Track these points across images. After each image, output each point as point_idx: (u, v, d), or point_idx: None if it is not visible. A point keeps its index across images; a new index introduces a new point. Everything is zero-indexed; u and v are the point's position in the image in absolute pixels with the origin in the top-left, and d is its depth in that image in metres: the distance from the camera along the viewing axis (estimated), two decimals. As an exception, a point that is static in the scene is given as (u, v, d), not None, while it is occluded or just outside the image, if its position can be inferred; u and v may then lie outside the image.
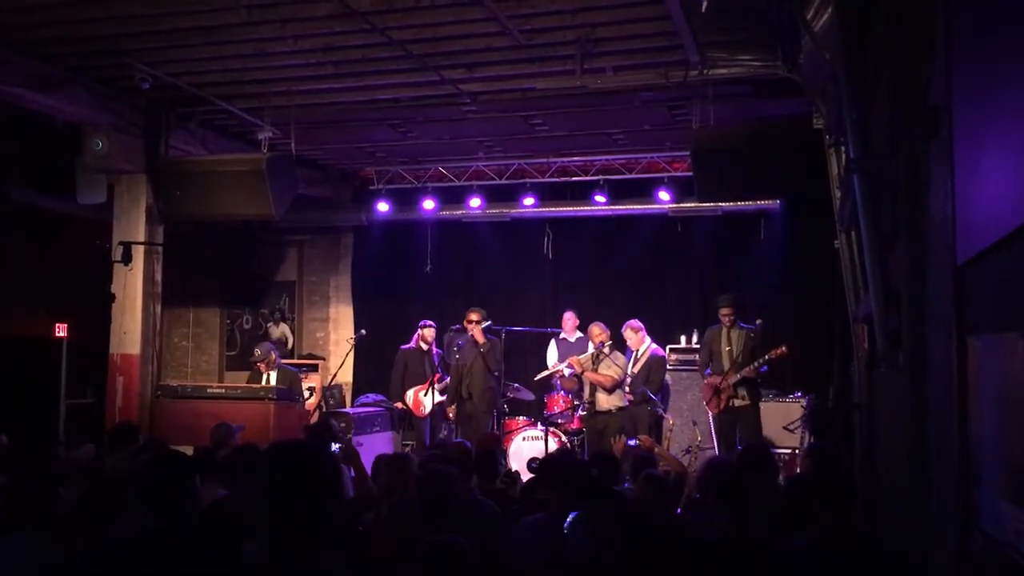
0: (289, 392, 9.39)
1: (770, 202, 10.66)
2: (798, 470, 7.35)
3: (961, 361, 3.15)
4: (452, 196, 12.26)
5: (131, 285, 9.23)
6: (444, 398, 10.28)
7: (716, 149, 8.13)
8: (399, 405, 10.50)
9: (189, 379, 12.83)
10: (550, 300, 12.31)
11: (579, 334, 10.60)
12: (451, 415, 10.16)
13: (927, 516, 3.75)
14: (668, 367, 10.30)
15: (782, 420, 9.51)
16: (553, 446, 9.06)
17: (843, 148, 6.17)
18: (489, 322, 9.96)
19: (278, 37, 7.59)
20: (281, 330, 13.73)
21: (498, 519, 4.79)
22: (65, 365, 10.81)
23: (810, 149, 7.44)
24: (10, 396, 10.07)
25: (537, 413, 10.40)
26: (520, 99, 9.03)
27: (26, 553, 3.86)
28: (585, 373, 9.66)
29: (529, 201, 11.67)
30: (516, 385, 10.42)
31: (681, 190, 10.96)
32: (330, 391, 12.02)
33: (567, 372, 10.13)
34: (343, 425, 9.45)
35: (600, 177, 11.51)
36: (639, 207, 11.59)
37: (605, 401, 9.54)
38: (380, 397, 11.16)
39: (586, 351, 9.91)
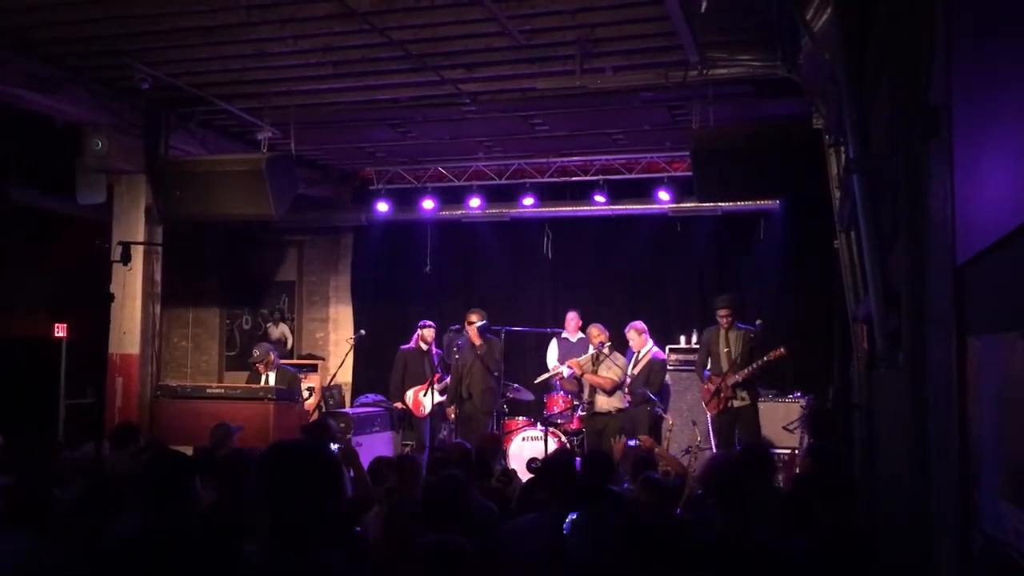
0: (288, 392, 9.39)
1: (770, 202, 10.66)
2: (797, 470, 7.35)
3: (961, 361, 3.15)
4: (452, 196, 12.26)
5: (130, 285, 9.23)
6: (444, 398, 10.28)
7: (716, 149, 8.14)
8: (399, 405, 10.50)
9: (188, 379, 12.83)
10: (550, 300, 12.31)
11: (581, 335, 10.60)
12: (451, 415, 10.16)
13: (927, 516, 3.75)
14: (668, 367, 10.31)
15: (782, 420, 9.51)
16: (553, 446, 9.06)
17: (843, 148, 6.17)
18: (484, 322, 9.90)
19: (278, 37, 7.59)
20: (281, 330, 13.73)
21: (497, 519, 4.79)
22: (64, 365, 10.81)
23: (810, 149, 7.44)
24: (10, 396, 10.07)
25: (537, 413, 10.40)
26: (520, 99, 9.03)
27: (25, 553, 3.86)
28: (585, 375, 9.66)
29: (529, 201, 11.66)
30: (516, 385, 10.42)
31: (681, 190, 10.96)
32: (329, 391, 12.02)
33: (566, 373, 10.12)
34: (342, 425, 9.45)
35: (600, 177, 11.51)
36: (639, 207, 11.59)
37: (604, 402, 9.54)
38: (380, 397, 11.17)
39: (587, 351, 9.91)
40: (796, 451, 9.05)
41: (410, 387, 10.35)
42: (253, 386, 9.58)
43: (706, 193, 8.83)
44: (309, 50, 7.88)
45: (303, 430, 7.93)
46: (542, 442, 9.02)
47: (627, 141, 10.78)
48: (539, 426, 9.50)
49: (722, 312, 9.30)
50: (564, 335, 10.88)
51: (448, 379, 10.24)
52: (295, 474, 2.16)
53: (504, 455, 9.08)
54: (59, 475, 5.51)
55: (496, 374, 9.83)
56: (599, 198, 11.37)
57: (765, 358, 8.89)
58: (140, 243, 9.16)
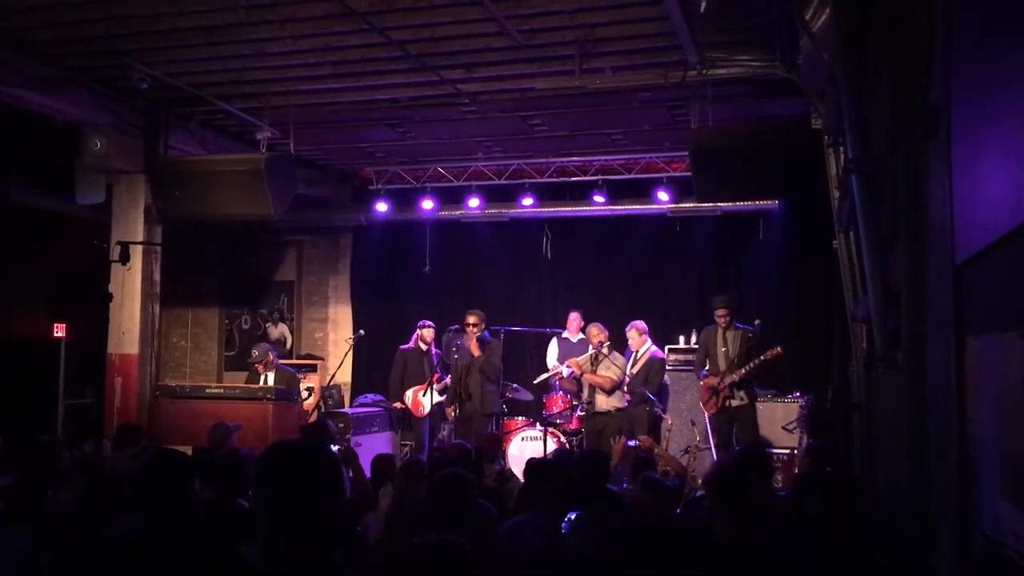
0: (287, 392, 9.39)
1: (769, 202, 10.66)
2: (796, 470, 7.35)
3: (960, 361, 3.15)
4: (451, 196, 12.25)
5: (129, 285, 9.23)
6: (443, 398, 10.28)
7: (715, 149, 8.13)
8: (398, 405, 10.50)
9: (188, 379, 12.84)
10: (549, 300, 12.31)
11: (582, 335, 10.60)
12: (450, 415, 10.15)
13: (926, 516, 3.75)
14: (667, 367, 10.31)
15: (781, 420, 9.52)
16: (552, 446, 9.06)
17: (842, 148, 6.17)
18: (483, 333, 9.85)
19: (277, 37, 7.59)
20: (280, 330, 13.73)
21: (495, 519, 4.79)
22: (64, 365, 10.81)
23: (809, 149, 7.45)
24: (9, 396, 10.07)
25: (536, 413, 10.40)
26: (519, 99, 9.03)
27: (23, 553, 3.86)
28: (584, 375, 9.66)
29: (528, 201, 11.66)
30: (515, 385, 10.41)
31: (680, 190, 10.96)
32: (329, 391, 12.01)
33: (566, 373, 10.12)
34: (341, 425, 9.45)
35: (599, 177, 11.51)
36: (638, 207, 11.59)
37: (604, 402, 9.54)
38: (379, 397, 11.17)
39: (587, 351, 9.91)
40: (795, 451, 9.05)
41: (409, 387, 10.35)
42: (252, 386, 9.58)
43: (705, 193, 8.83)
44: (308, 50, 7.88)
45: (302, 430, 7.94)
46: (541, 442, 9.02)
47: (626, 141, 10.78)
48: (538, 426, 9.49)
49: (720, 312, 9.31)
50: (565, 335, 10.88)
51: (448, 379, 10.24)
52: (295, 474, 2.16)
53: (503, 455, 9.08)
54: (58, 475, 5.52)
55: (495, 379, 9.80)
56: (598, 198, 11.37)
57: (762, 357, 8.89)
58: (139, 243, 9.16)
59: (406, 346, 10.61)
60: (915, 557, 3.97)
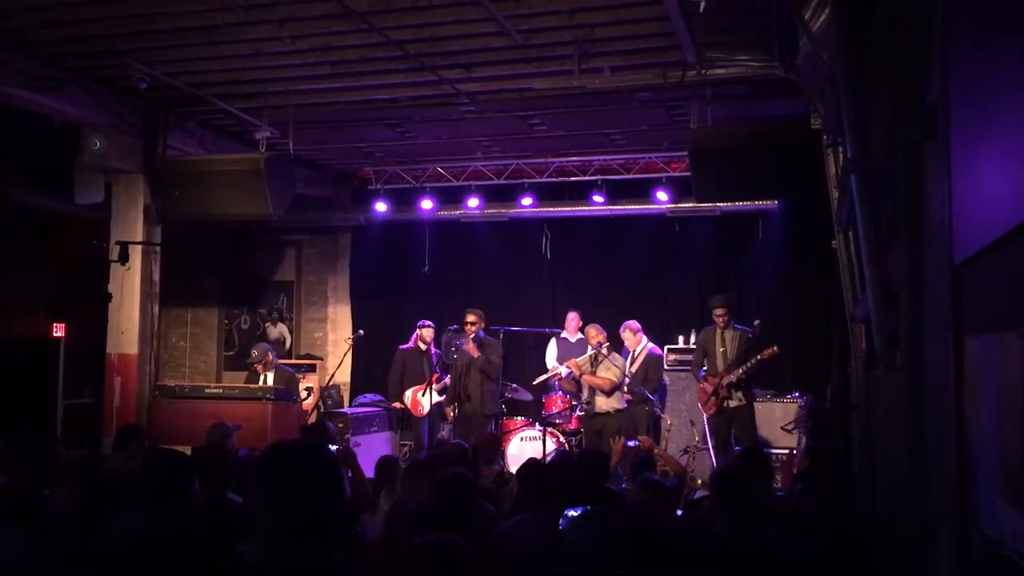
0: (287, 392, 9.40)
1: (768, 202, 10.66)
2: (795, 470, 7.36)
3: (958, 361, 3.15)
4: (450, 196, 12.26)
5: (129, 285, 9.22)
6: (442, 398, 10.28)
7: (714, 149, 8.13)
8: (397, 405, 10.51)
9: (187, 379, 12.85)
10: (548, 300, 12.32)
11: (580, 335, 10.60)
12: (449, 415, 10.16)
13: (925, 516, 3.76)
14: (666, 367, 10.32)
15: (780, 420, 9.53)
16: (551, 447, 9.07)
17: (841, 148, 6.17)
18: (480, 333, 9.87)
19: (276, 37, 7.59)
20: (279, 330, 13.73)
21: (494, 519, 4.79)
22: (63, 365, 10.80)
23: (808, 149, 7.44)
24: (8, 396, 10.06)
25: (535, 413, 10.40)
26: (518, 99, 9.03)
27: (21, 553, 3.85)
28: (583, 376, 9.65)
29: (527, 201, 11.67)
30: (514, 385, 10.42)
31: (679, 190, 10.96)
32: (328, 391, 12.02)
33: (565, 373, 10.13)
34: (340, 425, 9.46)
35: (598, 177, 11.51)
36: (637, 207, 11.59)
37: (603, 403, 9.54)
38: (378, 397, 11.18)
39: (586, 352, 9.91)
40: (794, 451, 9.07)
41: (409, 387, 10.35)
42: (251, 386, 9.58)
43: (704, 193, 8.83)
44: (307, 50, 7.88)
45: (302, 430, 7.94)
46: (540, 442, 9.02)
47: (625, 141, 10.78)
48: (537, 426, 9.50)
49: (718, 312, 9.31)
50: (563, 335, 10.88)
51: (447, 379, 10.24)
52: (295, 474, 2.16)
53: (502, 455, 9.08)
54: (57, 475, 5.51)
55: (494, 378, 9.80)
56: (597, 198, 11.37)
57: (758, 357, 8.89)
58: (138, 243, 9.16)
59: (405, 346, 10.61)
60: (914, 557, 3.97)
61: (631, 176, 11.54)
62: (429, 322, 10.71)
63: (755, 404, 9.26)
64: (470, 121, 9.88)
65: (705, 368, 9.34)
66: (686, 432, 9.66)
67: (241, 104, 9.23)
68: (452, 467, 4.85)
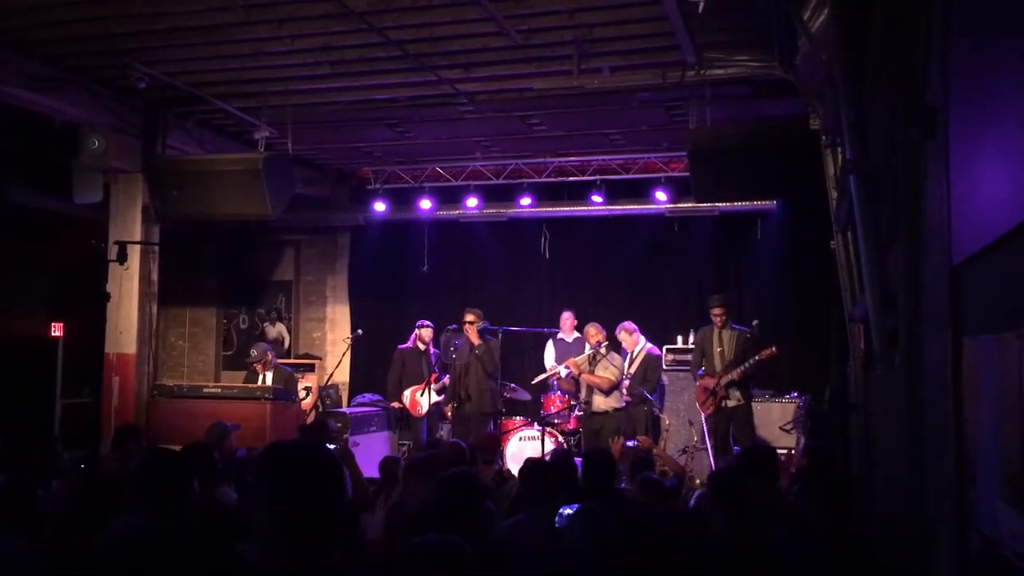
0: (285, 392, 9.40)
1: (767, 203, 10.66)
2: (793, 470, 7.36)
3: (957, 361, 3.16)
4: (449, 196, 12.25)
5: (127, 284, 9.22)
6: (441, 398, 10.28)
7: (713, 149, 8.13)
8: (396, 405, 10.51)
9: (185, 379, 12.84)
10: (547, 300, 12.31)
11: (576, 334, 10.61)
12: (448, 415, 10.16)
13: (924, 516, 3.76)
14: (665, 367, 10.32)
15: (778, 420, 9.53)
16: (550, 446, 9.07)
17: (840, 149, 6.17)
18: (485, 323, 9.95)
19: (275, 37, 7.59)
20: (278, 330, 13.73)
21: (494, 519, 4.79)
22: (62, 365, 10.80)
23: (807, 150, 7.45)
24: (7, 396, 10.06)
25: (534, 413, 10.41)
26: (517, 99, 9.03)
27: (19, 553, 3.85)
28: (582, 376, 9.66)
29: (526, 201, 11.66)
30: (513, 385, 10.42)
31: (678, 190, 10.97)
32: (327, 391, 12.02)
33: (564, 373, 10.13)
34: (339, 425, 9.46)
35: (597, 177, 11.51)
36: (636, 207, 11.59)
37: (602, 402, 9.55)
38: (377, 397, 11.17)
39: (583, 351, 9.92)
40: (793, 451, 9.07)
41: (407, 387, 10.36)
42: (250, 386, 9.58)
43: (703, 193, 8.83)
44: (307, 49, 7.87)
45: (301, 430, 7.94)
46: (539, 442, 9.03)
47: (624, 141, 10.78)
48: (536, 426, 9.50)
49: (716, 311, 9.30)
50: (560, 335, 10.89)
51: (446, 379, 10.25)
52: (294, 474, 2.16)
53: (501, 455, 9.09)
54: (56, 475, 5.51)
55: (493, 374, 9.82)
56: (596, 198, 11.37)
57: (756, 357, 8.89)
58: (137, 243, 9.15)
59: (404, 346, 10.62)
60: (913, 557, 3.98)
61: (630, 176, 11.54)
62: (428, 322, 10.71)
63: (753, 404, 9.25)
64: (469, 121, 9.88)
65: (703, 368, 9.34)
66: (685, 432, 9.66)
67: (240, 104, 9.23)
68: (453, 467, 4.84)
